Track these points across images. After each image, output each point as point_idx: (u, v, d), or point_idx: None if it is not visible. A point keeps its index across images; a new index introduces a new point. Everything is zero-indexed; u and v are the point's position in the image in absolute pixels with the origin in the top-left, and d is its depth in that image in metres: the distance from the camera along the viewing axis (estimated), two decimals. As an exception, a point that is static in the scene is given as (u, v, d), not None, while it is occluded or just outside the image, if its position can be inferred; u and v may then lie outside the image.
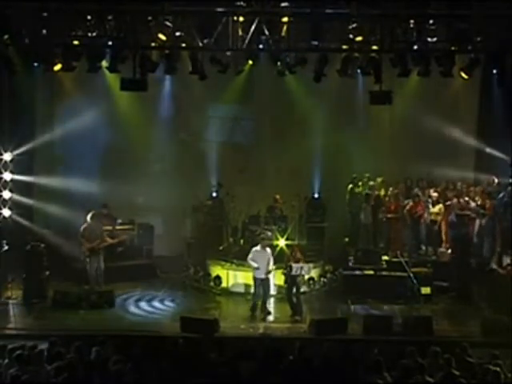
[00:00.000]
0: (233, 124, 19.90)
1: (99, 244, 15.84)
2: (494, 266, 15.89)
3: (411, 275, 15.33)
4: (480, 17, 13.45)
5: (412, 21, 13.91)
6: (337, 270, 17.23)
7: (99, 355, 9.96)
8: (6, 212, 16.65)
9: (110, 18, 13.89)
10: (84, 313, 14.90)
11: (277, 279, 16.12)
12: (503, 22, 13.67)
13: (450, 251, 17.30)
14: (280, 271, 15.64)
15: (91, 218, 15.88)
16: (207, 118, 19.79)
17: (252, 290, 15.44)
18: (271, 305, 15.71)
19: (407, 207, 17.76)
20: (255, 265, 14.99)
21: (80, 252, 16.02)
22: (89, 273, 15.73)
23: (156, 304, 15.83)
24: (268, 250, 15.24)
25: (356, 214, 18.43)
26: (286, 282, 15.23)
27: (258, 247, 15.19)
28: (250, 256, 15.13)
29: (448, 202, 17.64)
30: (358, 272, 16.53)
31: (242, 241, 18.10)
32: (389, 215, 17.89)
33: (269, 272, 15.11)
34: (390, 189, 18.33)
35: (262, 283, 15.06)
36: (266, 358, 10.01)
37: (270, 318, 15.19)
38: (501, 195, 17.17)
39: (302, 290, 15.55)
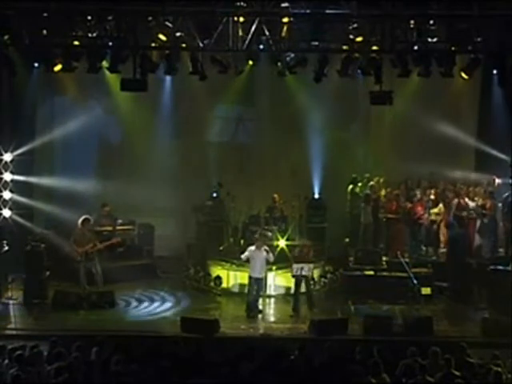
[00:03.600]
0: (233, 124, 19.86)
1: (92, 248, 15.70)
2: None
3: (411, 275, 15.32)
4: (480, 17, 13.44)
5: (412, 21, 13.94)
6: (337, 270, 17.21)
7: (99, 355, 9.97)
8: (7, 212, 16.66)
9: (110, 18, 13.92)
10: (84, 313, 14.89)
11: (277, 280, 16.14)
12: (503, 21, 13.67)
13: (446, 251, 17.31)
14: (281, 272, 15.66)
15: (81, 223, 15.71)
16: (207, 118, 19.75)
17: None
18: (271, 305, 15.81)
19: (407, 208, 17.75)
20: (244, 258, 15.14)
21: (74, 255, 16.05)
22: (80, 275, 15.63)
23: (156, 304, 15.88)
24: (264, 251, 15.09)
25: (356, 215, 18.41)
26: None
27: (253, 247, 15.17)
28: (245, 253, 15.17)
29: (448, 200, 17.65)
30: (358, 272, 16.51)
31: (242, 241, 18.07)
32: (389, 216, 17.87)
33: (264, 272, 15.16)
34: (388, 189, 18.31)
35: (257, 282, 15.08)
36: (266, 358, 10.01)
37: (271, 318, 15.24)
38: (505, 195, 17.19)
39: (302, 290, 15.54)
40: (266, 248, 15.16)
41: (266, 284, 15.73)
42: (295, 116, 19.11)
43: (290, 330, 14.24)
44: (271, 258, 15.23)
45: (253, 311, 15.03)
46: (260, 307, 15.34)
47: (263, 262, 15.07)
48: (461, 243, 16.54)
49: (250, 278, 15.13)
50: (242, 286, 16.46)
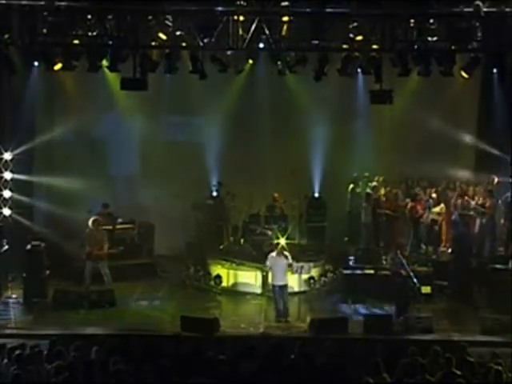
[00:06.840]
0: (233, 123, 19.82)
1: (99, 250, 15.73)
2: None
3: (411, 274, 15.31)
4: (480, 16, 13.43)
5: (412, 20, 13.93)
6: (337, 269, 17.19)
7: (99, 355, 9.97)
8: (7, 211, 16.66)
9: (110, 17, 13.90)
10: (84, 312, 14.88)
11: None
12: (503, 21, 13.66)
13: (449, 251, 17.30)
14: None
15: (92, 224, 15.80)
16: (207, 117, 19.72)
17: (251, 290, 15.44)
18: (271, 304, 15.66)
19: (408, 207, 17.75)
20: (268, 264, 14.77)
21: (82, 253, 16.06)
22: (85, 274, 15.64)
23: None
24: (284, 256, 14.76)
25: (357, 214, 18.42)
26: None
27: (274, 253, 14.83)
28: (267, 262, 14.87)
29: (448, 199, 17.64)
30: (358, 271, 16.51)
31: (242, 240, 18.12)
32: (388, 213, 17.86)
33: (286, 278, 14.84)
34: (388, 188, 18.32)
35: (281, 289, 14.68)
36: (266, 357, 10.02)
37: (271, 317, 15.20)
38: (505, 195, 17.18)
39: (302, 289, 15.56)
40: (286, 253, 14.87)
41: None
42: (295, 115, 19.12)
43: (290, 329, 14.24)
44: (292, 262, 14.94)
45: (283, 317, 14.68)
46: (289, 319, 14.71)
47: (285, 268, 14.72)
48: (466, 243, 16.55)
49: (273, 286, 14.78)
50: (241, 284, 16.49)
